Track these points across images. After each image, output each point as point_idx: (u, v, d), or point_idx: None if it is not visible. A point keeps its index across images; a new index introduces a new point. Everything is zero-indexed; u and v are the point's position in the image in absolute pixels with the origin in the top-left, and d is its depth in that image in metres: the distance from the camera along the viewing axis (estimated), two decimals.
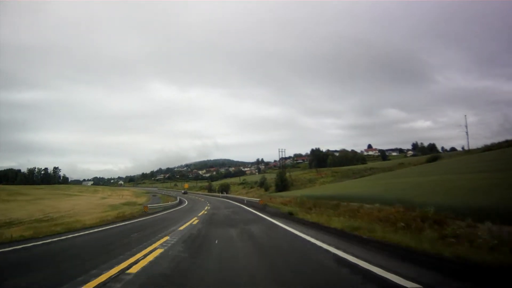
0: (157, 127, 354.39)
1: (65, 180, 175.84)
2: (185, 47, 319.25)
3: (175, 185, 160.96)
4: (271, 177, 77.65)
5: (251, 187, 77.86)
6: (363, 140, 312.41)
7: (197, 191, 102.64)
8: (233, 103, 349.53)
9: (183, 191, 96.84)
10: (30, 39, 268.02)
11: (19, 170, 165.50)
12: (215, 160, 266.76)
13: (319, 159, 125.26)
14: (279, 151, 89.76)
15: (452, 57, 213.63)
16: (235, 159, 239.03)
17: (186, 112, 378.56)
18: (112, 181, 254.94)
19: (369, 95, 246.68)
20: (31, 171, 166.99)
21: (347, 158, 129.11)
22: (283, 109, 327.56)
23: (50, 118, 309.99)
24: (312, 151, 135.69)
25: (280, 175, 63.82)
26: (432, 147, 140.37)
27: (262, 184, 71.80)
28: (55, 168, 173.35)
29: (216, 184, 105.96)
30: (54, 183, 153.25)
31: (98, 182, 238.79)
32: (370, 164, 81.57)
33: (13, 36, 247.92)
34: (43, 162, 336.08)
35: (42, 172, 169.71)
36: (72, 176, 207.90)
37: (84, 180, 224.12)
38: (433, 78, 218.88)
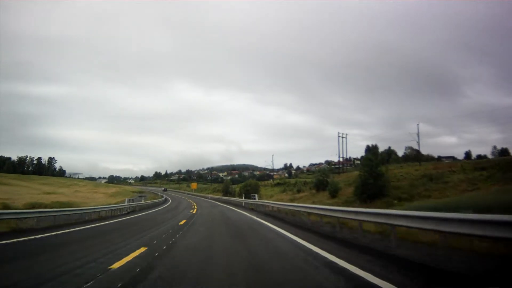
0: (180, 129, 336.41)
1: (61, 173, 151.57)
2: (212, 49, 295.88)
3: (188, 186, 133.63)
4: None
5: (298, 190, 44.95)
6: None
7: (208, 193, 71.55)
8: (258, 109, 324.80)
9: (162, 188, 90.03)
10: (53, 31, 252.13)
11: (9, 158, 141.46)
12: (238, 165, 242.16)
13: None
14: (338, 136, 56.74)
15: (483, 71, 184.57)
16: (260, 165, 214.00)
17: (210, 115, 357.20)
18: (127, 180, 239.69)
19: (397, 107, 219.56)
20: (22, 160, 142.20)
21: (413, 158, 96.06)
22: (308, 117, 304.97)
23: (71, 114, 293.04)
24: (368, 148, 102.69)
25: (370, 169, 31.34)
26: (504, 151, 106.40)
27: (322, 186, 38.89)
28: (50, 159, 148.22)
29: (236, 187, 73.92)
30: (47, 175, 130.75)
31: (113, 180, 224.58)
32: None
33: (37, 28, 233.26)
34: (62, 158, 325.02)
35: (35, 162, 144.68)
36: (91, 174, 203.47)
37: (99, 177, 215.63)
38: (462, 92, 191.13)
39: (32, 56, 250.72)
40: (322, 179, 39.96)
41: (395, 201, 30.68)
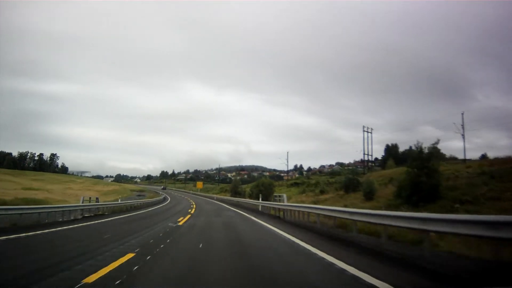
0: (188, 129, 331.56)
1: (64, 170, 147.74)
2: (221, 50, 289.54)
3: (194, 185, 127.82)
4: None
5: (322, 191, 38.06)
6: None
7: (215, 193, 65.11)
8: (267, 110, 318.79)
9: (162, 186, 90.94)
10: (60, 29, 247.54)
11: (10, 154, 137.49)
12: (247, 166, 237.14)
13: (397, 157, 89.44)
14: (363, 131, 50.04)
15: (493, 75, 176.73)
16: (269, 167, 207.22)
17: (218, 115, 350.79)
18: (134, 179, 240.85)
19: (405, 110, 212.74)
20: (22, 155, 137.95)
21: (440, 157, 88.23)
22: (316, 118, 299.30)
23: (79, 112, 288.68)
24: (387, 147, 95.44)
25: (421, 164, 24.43)
26: None
27: (352, 186, 31.90)
28: (52, 155, 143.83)
29: (246, 186, 66.76)
30: (49, 172, 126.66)
31: (120, 179, 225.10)
32: None
33: (43, 25, 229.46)
34: (70, 156, 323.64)
35: (36, 158, 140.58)
36: (98, 172, 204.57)
37: (106, 176, 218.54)
38: (471, 95, 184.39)
39: (39, 53, 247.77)
40: (352, 177, 32.89)
41: (456, 205, 23.71)
